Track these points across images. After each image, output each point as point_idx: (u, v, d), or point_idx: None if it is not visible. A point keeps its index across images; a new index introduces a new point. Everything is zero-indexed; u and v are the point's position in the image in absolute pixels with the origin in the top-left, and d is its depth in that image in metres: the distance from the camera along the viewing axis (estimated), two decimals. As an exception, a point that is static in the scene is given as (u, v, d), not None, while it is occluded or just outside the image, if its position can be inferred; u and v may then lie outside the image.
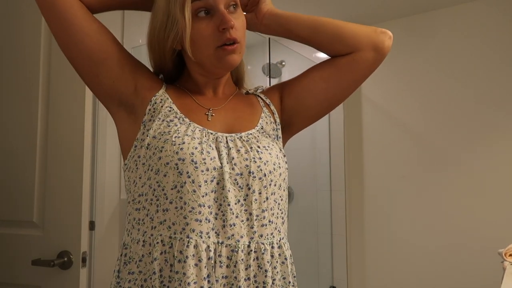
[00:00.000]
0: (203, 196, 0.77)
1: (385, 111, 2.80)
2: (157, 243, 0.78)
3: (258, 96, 0.97)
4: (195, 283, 0.74)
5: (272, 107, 0.95)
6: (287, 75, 2.86)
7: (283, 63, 2.85)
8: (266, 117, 0.92)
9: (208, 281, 0.76)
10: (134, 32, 2.04)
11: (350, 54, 0.91)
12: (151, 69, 0.94)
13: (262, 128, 0.89)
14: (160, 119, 0.83)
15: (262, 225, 0.81)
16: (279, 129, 0.93)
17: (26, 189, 1.45)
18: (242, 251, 0.78)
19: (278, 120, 0.94)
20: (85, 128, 1.39)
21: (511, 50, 2.41)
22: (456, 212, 2.50)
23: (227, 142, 0.82)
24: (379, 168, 2.79)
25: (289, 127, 0.97)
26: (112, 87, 0.85)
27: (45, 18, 0.84)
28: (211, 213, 0.78)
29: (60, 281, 1.36)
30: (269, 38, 2.53)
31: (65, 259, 1.35)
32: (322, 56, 0.98)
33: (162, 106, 0.85)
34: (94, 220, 1.96)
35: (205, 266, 0.76)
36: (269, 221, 0.82)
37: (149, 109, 0.85)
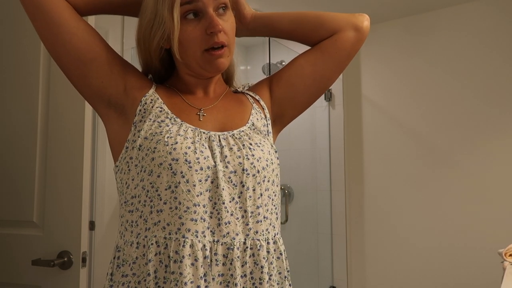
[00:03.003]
0: (197, 196, 0.77)
1: (385, 111, 2.80)
2: (152, 244, 0.77)
3: (247, 93, 0.98)
4: (191, 282, 0.75)
5: (262, 103, 0.96)
6: (287, 75, 2.85)
7: (283, 63, 2.85)
8: (256, 113, 0.92)
9: (205, 280, 0.76)
10: (134, 32, 2.04)
11: (333, 36, 0.94)
12: (141, 69, 0.94)
13: (253, 125, 0.89)
14: (151, 119, 0.83)
15: (257, 222, 0.82)
16: (269, 124, 0.94)
17: (26, 189, 1.45)
18: (238, 248, 0.78)
19: (268, 115, 0.94)
20: (85, 128, 1.39)
21: (511, 50, 2.41)
22: (456, 212, 2.50)
23: (219, 140, 0.82)
24: (379, 168, 2.79)
25: (281, 118, 0.98)
26: (101, 87, 0.85)
27: (30, 18, 0.83)
28: (206, 212, 0.78)
29: (60, 281, 1.36)
30: (269, 38, 2.53)
31: (65, 259, 1.35)
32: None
33: (152, 107, 0.84)
34: (94, 220, 1.97)
35: (201, 265, 0.76)
36: (264, 217, 0.83)
37: (140, 110, 0.84)
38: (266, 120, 0.93)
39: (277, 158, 0.89)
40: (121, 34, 2.07)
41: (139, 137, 0.82)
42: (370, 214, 2.81)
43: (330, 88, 2.95)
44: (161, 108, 0.85)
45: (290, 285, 0.87)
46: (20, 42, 1.51)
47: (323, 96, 2.94)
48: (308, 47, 0.99)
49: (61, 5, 0.81)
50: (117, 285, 0.80)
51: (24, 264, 1.40)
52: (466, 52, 2.54)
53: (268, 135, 0.92)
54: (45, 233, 1.41)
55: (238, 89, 0.99)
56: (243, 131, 0.87)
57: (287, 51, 2.66)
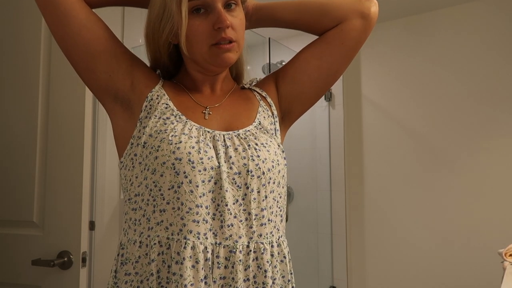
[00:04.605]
0: (200, 197, 0.76)
1: (385, 111, 2.80)
2: (155, 244, 0.76)
3: (254, 90, 0.95)
4: (191, 285, 0.74)
5: (269, 100, 0.93)
6: (287, 75, 2.85)
7: (283, 63, 2.85)
8: (263, 111, 0.90)
9: (205, 283, 0.75)
10: (134, 32, 2.04)
11: (338, 26, 0.90)
12: (149, 64, 0.93)
13: (259, 124, 0.87)
14: (156, 116, 0.82)
15: (261, 224, 0.80)
16: (277, 122, 0.91)
17: (26, 189, 1.45)
18: (240, 251, 0.77)
19: (275, 113, 0.92)
20: (85, 128, 1.39)
21: (511, 49, 2.41)
22: (456, 212, 2.50)
23: (224, 140, 0.81)
24: (379, 168, 2.79)
25: (289, 115, 0.96)
26: (108, 81, 0.84)
27: (40, 9, 0.83)
28: (208, 213, 0.76)
29: (60, 281, 1.36)
30: (269, 38, 2.53)
31: (65, 259, 1.35)
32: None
33: (158, 103, 0.83)
34: (94, 220, 1.96)
35: (202, 268, 0.75)
36: (268, 220, 0.81)
37: (146, 106, 0.83)
38: (273, 118, 0.91)
39: (284, 159, 0.86)
40: (121, 34, 2.07)
41: (144, 133, 0.81)
42: (370, 214, 2.81)
43: (330, 88, 2.94)
44: (166, 104, 0.84)
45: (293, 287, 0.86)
46: (20, 42, 1.51)
47: (323, 96, 2.94)
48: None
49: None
50: (121, 282, 0.80)
51: (24, 264, 1.40)
52: (466, 52, 2.54)
53: (275, 134, 0.89)
54: (45, 233, 1.41)
55: (245, 86, 0.97)
56: (249, 130, 0.85)
57: (287, 51, 2.66)
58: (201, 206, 0.76)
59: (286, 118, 0.96)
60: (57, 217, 1.40)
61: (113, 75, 0.84)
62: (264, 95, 0.94)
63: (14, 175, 1.48)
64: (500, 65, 2.43)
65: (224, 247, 0.76)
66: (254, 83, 0.99)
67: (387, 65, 2.80)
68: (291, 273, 0.86)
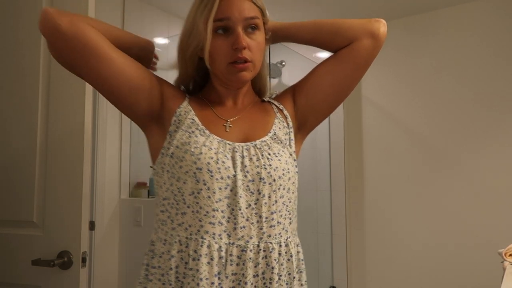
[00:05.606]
0: (217, 202, 0.86)
1: (385, 111, 2.80)
2: (175, 242, 0.88)
3: (273, 103, 1.05)
4: (207, 279, 0.84)
5: (285, 112, 1.03)
6: (287, 75, 2.86)
7: (283, 63, 2.85)
8: (279, 122, 1.00)
9: (219, 278, 0.85)
10: (134, 32, 2.04)
11: (350, 45, 0.99)
12: (175, 78, 1.03)
13: (274, 134, 0.97)
14: (183, 130, 0.92)
15: (271, 226, 0.89)
16: (291, 132, 1.01)
17: (26, 189, 1.45)
18: (251, 250, 0.86)
19: (291, 124, 1.01)
20: (85, 128, 1.39)
21: (511, 49, 2.41)
22: (456, 212, 2.50)
23: (242, 151, 0.90)
24: (379, 168, 2.79)
25: (305, 125, 1.05)
26: (146, 108, 0.94)
27: (77, 64, 0.88)
28: (223, 217, 0.86)
29: (60, 281, 1.36)
30: (269, 38, 2.52)
31: (65, 259, 1.35)
32: (322, 55, 1.02)
33: (185, 118, 0.94)
34: (94, 220, 1.97)
35: (216, 264, 0.85)
36: (278, 222, 0.90)
37: (174, 120, 0.94)
38: (289, 129, 1.01)
39: (295, 167, 0.96)
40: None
41: (172, 145, 0.91)
42: (370, 214, 2.81)
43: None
44: (192, 119, 0.94)
45: (301, 284, 0.96)
46: (20, 42, 1.51)
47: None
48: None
49: (104, 46, 0.87)
50: (150, 274, 0.92)
51: (24, 264, 1.40)
52: (466, 52, 2.54)
53: (289, 144, 0.99)
54: (45, 233, 1.41)
55: (265, 99, 1.07)
56: (264, 141, 0.94)
57: (287, 51, 2.66)
58: (217, 210, 0.86)
59: (302, 128, 1.05)
60: (57, 217, 1.40)
61: (150, 102, 0.94)
62: (281, 108, 1.04)
63: (14, 175, 1.49)
64: (500, 65, 2.43)
65: (236, 246, 0.86)
66: (274, 96, 1.09)
67: (387, 65, 2.80)
68: (300, 271, 0.95)
